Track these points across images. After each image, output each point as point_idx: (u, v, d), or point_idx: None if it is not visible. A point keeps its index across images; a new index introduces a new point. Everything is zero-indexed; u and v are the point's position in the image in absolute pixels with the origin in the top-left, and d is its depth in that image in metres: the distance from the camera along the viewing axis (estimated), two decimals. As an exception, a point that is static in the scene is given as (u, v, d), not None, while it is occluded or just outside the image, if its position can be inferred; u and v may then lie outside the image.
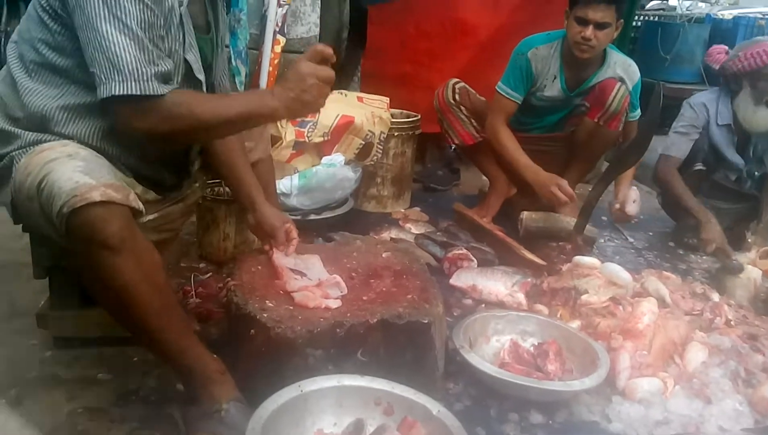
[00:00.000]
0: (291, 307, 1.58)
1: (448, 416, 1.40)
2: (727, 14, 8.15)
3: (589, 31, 2.58)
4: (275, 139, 2.62)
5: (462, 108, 2.96)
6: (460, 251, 2.50)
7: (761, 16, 7.56)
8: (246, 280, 1.68)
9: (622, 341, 1.83)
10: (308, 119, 2.69)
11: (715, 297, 2.21)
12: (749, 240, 2.77)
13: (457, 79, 3.01)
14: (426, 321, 1.60)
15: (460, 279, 2.35)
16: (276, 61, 3.08)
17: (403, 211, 3.17)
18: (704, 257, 2.93)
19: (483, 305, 2.24)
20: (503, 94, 2.80)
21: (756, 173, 3.07)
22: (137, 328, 1.43)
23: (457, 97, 2.95)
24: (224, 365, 1.51)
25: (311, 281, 1.67)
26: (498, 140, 2.82)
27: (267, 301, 1.59)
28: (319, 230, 2.51)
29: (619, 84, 2.70)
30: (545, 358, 1.78)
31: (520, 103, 2.81)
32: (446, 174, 3.69)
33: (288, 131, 2.67)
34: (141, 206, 1.39)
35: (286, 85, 1.45)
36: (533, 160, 2.88)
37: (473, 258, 2.48)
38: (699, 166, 3.06)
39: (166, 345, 1.46)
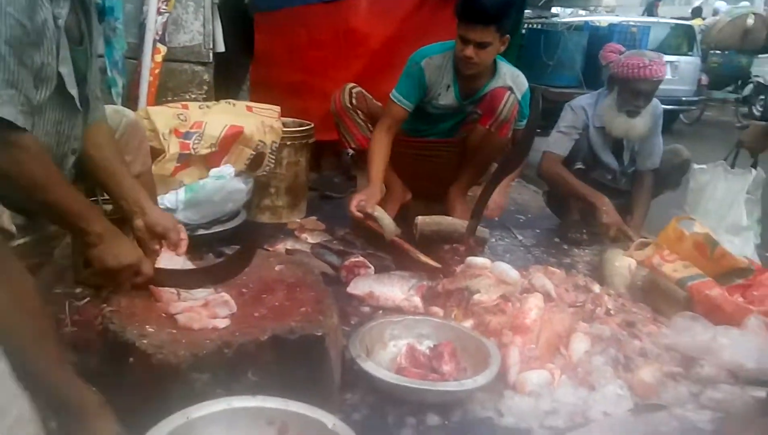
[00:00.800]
0: (174, 331, 1.50)
1: (343, 428, 1.38)
2: (604, 21, 8.77)
3: (470, 50, 2.67)
4: (157, 152, 2.51)
5: (359, 112, 2.97)
6: (357, 259, 2.50)
7: (633, 23, 8.19)
8: (124, 305, 1.58)
9: (511, 337, 1.90)
10: (193, 130, 2.60)
11: (596, 288, 2.34)
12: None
13: (353, 84, 3.02)
14: (320, 333, 1.58)
15: (357, 287, 2.35)
16: (156, 71, 2.95)
17: (299, 220, 3.13)
18: (586, 250, 3.11)
19: (381, 311, 2.25)
20: (394, 100, 2.84)
21: (628, 172, 3.30)
22: (10, 359, 1.31)
23: (354, 101, 2.96)
24: (103, 397, 1.41)
25: (196, 301, 1.60)
26: (370, 144, 2.86)
27: (147, 326, 1.50)
28: (210, 245, 2.43)
29: (508, 93, 2.81)
30: (441, 360, 1.81)
31: (410, 110, 2.85)
32: (343, 181, 3.69)
33: (171, 143, 2.56)
34: (12, 228, 1.28)
35: (115, 239, 1.51)
36: (428, 165, 2.95)
37: (370, 265, 2.49)
38: (579, 166, 3.25)
39: (38, 377, 1.34)
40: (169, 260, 1.71)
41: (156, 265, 1.66)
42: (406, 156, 2.98)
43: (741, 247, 2.79)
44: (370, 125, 2.98)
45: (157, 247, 1.74)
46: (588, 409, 1.72)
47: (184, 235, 1.77)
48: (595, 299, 2.21)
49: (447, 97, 2.87)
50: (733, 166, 2.99)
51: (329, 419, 1.41)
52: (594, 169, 3.28)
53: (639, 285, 2.58)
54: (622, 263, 2.61)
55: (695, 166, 3.13)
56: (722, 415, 1.54)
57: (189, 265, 1.75)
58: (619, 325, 2.10)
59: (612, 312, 2.19)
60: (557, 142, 3.22)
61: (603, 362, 1.87)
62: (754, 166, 2.90)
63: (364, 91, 3.01)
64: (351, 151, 3.15)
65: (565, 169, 3.19)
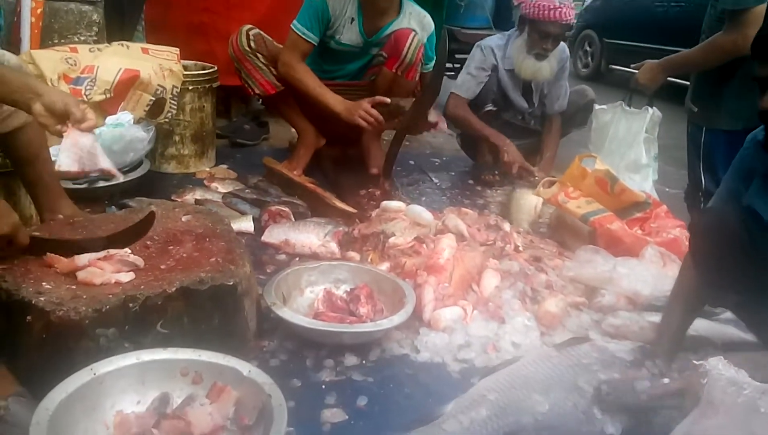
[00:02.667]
0: (73, 287, 1.42)
1: (260, 375, 1.37)
2: (514, -39, 8.76)
3: None
4: (47, 100, 2.31)
5: (259, 55, 2.83)
6: (281, 207, 2.46)
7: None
8: (17, 263, 1.47)
9: (426, 277, 1.93)
10: (84, 75, 2.41)
11: (506, 226, 2.41)
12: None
13: (250, 26, 2.87)
14: (231, 283, 1.54)
15: (272, 235, 2.31)
16: (39, 11, 2.69)
17: (208, 169, 3.02)
18: (498, 191, 3.19)
19: (297, 259, 2.22)
20: (298, 32, 2.72)
21: (538, 113, 3.39)
22: None
23: (252, 44, 2.82)
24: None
25: (96, 255, 1.51)
26: (294, 76, 2.75)
27: (44, 283, 1.41)
28: (112, 198, 2.29)
29: (413, 34, 2.76)
30: (357, 303, 1.82)
31: (315, 44, 2.75)
32: (253, 128, 3.57)
33: (61, 89, 2.36)
34: None
35: None
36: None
37: (290, 212, 2.45)
38: (489, 107, 3.30)
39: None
40: (79, 138, 1.57)
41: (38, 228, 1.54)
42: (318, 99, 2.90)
43: (640, 183, 2.94)
44: (272, 69, 2.85)
45: (63, 127, 1.58)
46: (498, 340, 1.80)
47: (90, 114, 1.61)
48: (505, 237, 2.28)
49: (350, 32, 2.79)
50: (630, 101, 3.11)
51: (244, 367, 1.39)
52: (505, 110, 3.33)
53: (546, 222, 2.70)
54: (529, 202, 2.71)
55: (596, 106, 3.25)
56: (641, 345, 1.65)
57: (97, 148, 1.61)
58: (527, 260, 2.19)
59: (521, 248, 2.27)
60: (464, 84, 3.25)
61: (512, 296, 1.95)
62: (650, 105, 3.03)
63: (262, 33, 2.86)
64: (255, 96, 3.04)
65: (470, 111, 3.23)
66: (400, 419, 1.46)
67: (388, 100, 2.67)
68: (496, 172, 3.27)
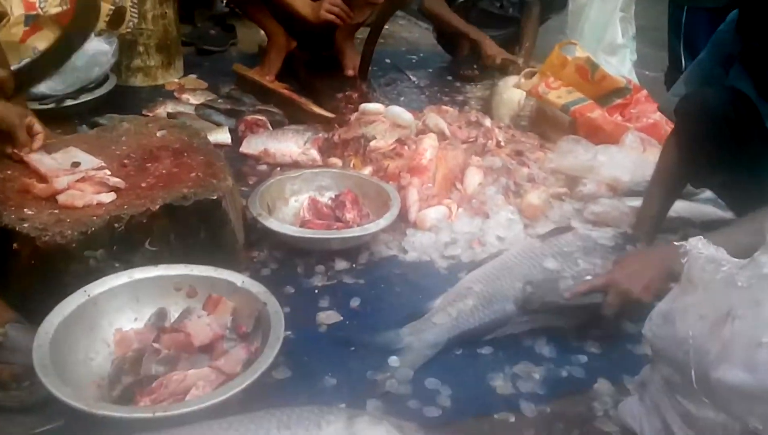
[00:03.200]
0: (56, 211, 1.40)
1: (253, 284, 1.40)
2: None
3: None
4: (-1, 16, 2.17)
5: None
6: (258, 116, 2.40)
7: None
8: (-7, 191, 1.44)
9: (409, 178, 1.93)
10: (35, -14, 2.25)
11: (487, 122, 2.39)
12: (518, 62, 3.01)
13: None
14: (215, 197, 1.53)
15: (251, 145, 2.27)
16: None
17: (177, 80, 2.91)
18: (478, 86, 3.13)
19: (278, 168, 2.20)
20: None
21: (516, 0, 3.26)
22: None
23: None
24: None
25: (74, 177, 1.48)
26: None
27: (25, 210, 1.39)
28: (81, 117, 2.22)
29: None
30: (343, 208, 1.83)
31: None
32: (220, 33, 3.41)
33: (14, 3, 2.21)
34: None
35: None
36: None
37: (267, 121, 2.39)
38: None
39: None
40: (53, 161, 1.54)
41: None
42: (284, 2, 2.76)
43: (618, 66, 2.89)
44: None
45: (9, 150, 1.54)
46: (483, 235, 1.83)
47: (38, 127, 1.56)
48: (487, 133, 2.26)
49: None
50: None
51: (237, 278, 1.41)
52: (482, -1, 3.21)
53: (527, 115, 2.67)
54: (511, 96, 2.67)
55: None
56: (622, 231, 1.69)
57: (57, 161, 1.55)
58: (508, 155, 2.19)
59: (502, 144, 2.27)
60: None
61: (495, 191, 1.96)
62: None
63: None
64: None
65: (446, 7, 3.11)
66: (392, 316, 1.51)
67: None
68: (475, 67, 3.19)
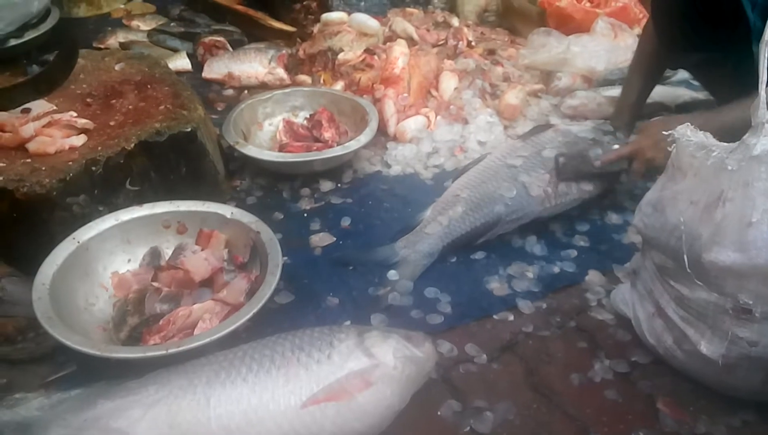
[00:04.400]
0: (29, 160, 1.35)
1: (243, 214, 1.39)
2: None
3: None
4: None
5: None
6: (215, 37, 2.29)
7: None
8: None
9: (384, 90, 1.89)
10: None
11: (455, 22, 2.33)
12: None
13: None
14: (189, 129, 1.48)
15: (213, 69, 2.18)
16: None
17: (122, 6, 2.73)
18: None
19: (246, 91, 2.13)
20: None
21: None
22: None
23: None
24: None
25: (40, 123, 1.41)
26: None
27: (-5, 163, 1.33)
28: (29, 55, 2.07)
29: None
30: (320, 128, 1.79)
31: None
32: (161, -51, 3.17)
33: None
34: None
35: None
36: None
37: (227, 42, 2.29)
38: None
39: None
40: None
41: None
42: None
43: None
44: None
45: None
46: (465, 141, 1.82)
47: None
48: (456, 34, 2.21)
49: None
50: None
51: (225, 209, 1.40)
52: None
53: (494, 9, 2.60)
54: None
55: None
56: (601, 122, 1.70)
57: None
58: (481, 55, 2.15)
59: (473, 43, 2.22)
60: None
61: (472, 95, 1.94)
62: None
63: None
64: None
65: None
66: (384, 232, 1.52)
67: None
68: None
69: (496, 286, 1.37)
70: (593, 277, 1.38)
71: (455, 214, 1.47)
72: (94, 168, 1.35)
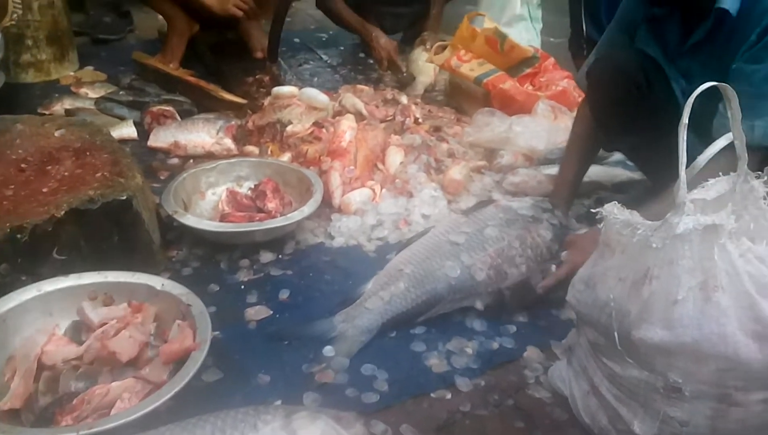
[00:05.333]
0: (-55, 228, 1.28)
1: (174, 286, 1.34)
2: None
3: None
4: None
5: None
6: (164, 107, 2.28)
7: None
8: None
9: (330, 162, 1.90)
10: None
11: (404, 99, 2.39)
12: (425, 40, 3.00)
13: None
14: (124, 197, 1.45)
15: (159, 138, 2.16)
16: None
17: (72, 74, 2.72)
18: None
19: (191, 161, 2.11)
20: None
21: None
22: None
23: None
24: None
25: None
26: None
27: None
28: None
29: None
30: (264, 198, 1.78)
31: None
32: (115, 20, 3.21)
33: None
34: None
35: None
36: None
37: (175, 111, 2.28)
38: None
39: None
40: None
41: None
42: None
43: (521, 36, 2.92)
44: None
45: None
46: (409, 214, 1.83)
47: None
48: (404, 111, 2.26)
49: None
50: None
51: (157, 281, 1.35)
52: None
53: (442, 89, 2.69)
54: (425, 69, 2.68)
55: None
56: (540, 199, 1.73)
57: None
58: (427, 131, 2.20)
59: (420, 120, 2.27)
60: None
61: (417, 169, 1.97)
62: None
63: None
64: None
65: (340, 2, 3.02)
66: (323, 305, 1.48)
67: None
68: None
69: (435, 362, 1.34)
70: (532, 353, 1.36)
71: (397, 290, 1.45)
72: (19, 235, 1.30)
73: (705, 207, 0.98)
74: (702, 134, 1.30)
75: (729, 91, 0.97)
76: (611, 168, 2.06)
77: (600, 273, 1.08)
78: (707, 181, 1.02)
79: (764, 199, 0.99)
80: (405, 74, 2.72)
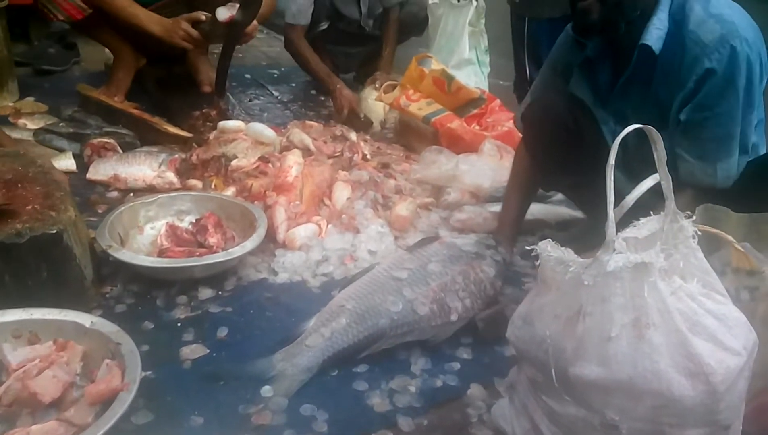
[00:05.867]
0: None
1: (104, 324, 1.28)
2: None
3: None
4: None
5: None
6: (105, 139, 2.22)
7: None
8: None
9: (276, 197, 1.87)
10: None
11: (353, 136, 2.40)
12: (376, 79, 3.04)
13: None
14: (54, 231, 1.39)
15: (99, 171, 2.10)
16: None
17: (11, 104, 2.63)
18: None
19: (131, 194, 2.05)
20: None
21: (376, 14, 3.30)
22: None
23: None
24: None
25: None
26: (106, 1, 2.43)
27: None
28: None
29: None
30: (205, 233, 1.73)
31: None
32: (60, 51, 3.14)
33: None
34: None
35: None
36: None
37: (117, 144, 2.23)
38: (323, 26, 3.12)
39: None
40: None
41: None
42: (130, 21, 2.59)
43: (467, 78, 2.98)
44: None
45: None
46: (355, 250, 1.82)
47: None
48: (352, 147, 2.27)
49: None
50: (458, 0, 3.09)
51: (85, 318, 1.29)
52: (339, 20, 3.20)
53: (391, 127, 2.72)
54: (375, 107, 2.71)
55: (430, 1, 3.21)
56: (485, 236, 1.74)
57: None
58: (375, 168, 2.20)
59: (368, 157, 2.28)
60: (299, 12, 3.00)
61: (364, 205, 1.96)
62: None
63: None
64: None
65: (305, 46, 3.05)
66: (263, 343, 1.44)
67: (205, 16, 2.42)
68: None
69: (377, 401, 1.31)
70: (475, 390, 1.35)
71: (338, 326, 1.42)
72: (-65, 272, 1.22)
73: (637, 245, 1.00)
74: (634, 174, 1.34)
75: (654, 133, 1.00)
76: (554, 206, 2.10)
77: (537, 309, 1.08)
78: (638, 220, 1.04)
79: (693, 238, 1.01)
80: (363, 119, 2.74)
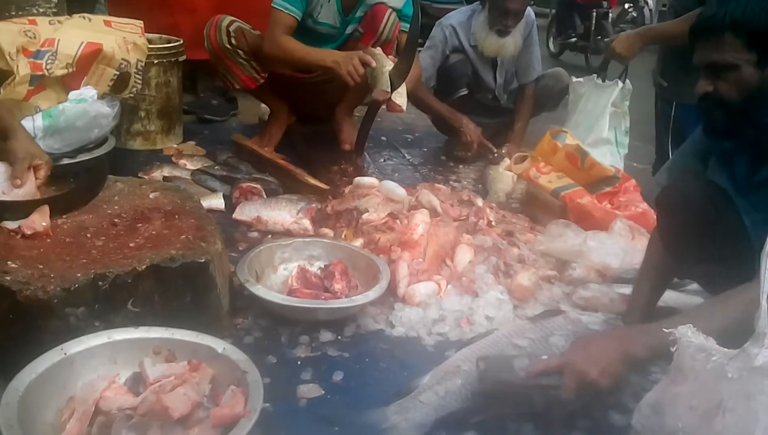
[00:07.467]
0: (41, 266, 1.38)
1: (234, 352, 1.36)
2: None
3: None
4: (5, 75, 2.22)
5: (240, 51, 2.72)
6: (253, 184, 2.43)
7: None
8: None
9: (400, 252, 1.93)
10: (45, 48, 2.31)
11: (479, 202, 2.43)
12: (503, 151, 3.08)
13: (229, 18, 2.73)
14: (202, 260, 1.52)
15: (244, 212, 2.28)
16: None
17: (175, 146, 2.95)
18: (471, 167, 3.19)
19: (270, 236, 2.20)
20: (280, 8, 2.60)
21: (511, 88, 3.38)
22: None
23: (233, 41, 2.70)
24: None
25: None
26: (284, 49, 2.63)
27: (9, 263, 1.37)
28: (77, 175, 2.22)
29: (389, 11, 2.72)
30: (332, 279, 1.81)
31: (298, 18, 2.64)
32: (222, 103, 3.49)
33: (21, 63, 2.26)
34: None
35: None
36: (311, 88, 2.83)
37: (262, 189, 2.42)
38: (463, 92, 3.25)
39: None
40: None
41: None
42: (289, 79, 2.85)
43: (602, 157, 2.92)
44: (253, 63, 2.76)
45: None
46: (472, 314, 1.81)
47: (41, 173, 1.67)
48: (478, 212, 2.29)
49: (328, 11, 2.73)
50: (603, 74, 3.07)
51: (218, 344, 1.38)
52: (477, 90, 3.30)
53: (518, 197, 2.72)
54: (503, 177, 2.73)
55: (574, 79, 3.23)
56: (612, 317, 1.67)
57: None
58: (499, 235, 2.20)
59: (493, 223, 2.29)
60: (427, 75, 3.16)
61: (485, 270, 1.96)
62: (623, 76, 3.01)
63: (242, 24, 2.75)
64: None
65: (427, 93, 3.18)
66: (376, 393, 1.46)
67: (374, 63, 2.54)
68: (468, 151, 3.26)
69: (483, 471, 1.28)
70: (590, 478, 1.27)
71: (453, 386, 1.42)
72: (101, 283, 1.38)
73: (789, 341, 0.93)
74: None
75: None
76: (690, 296, 1.97)
77: (669, 399, 1.02)
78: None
79: None
80: (496, 154, 2.78)
